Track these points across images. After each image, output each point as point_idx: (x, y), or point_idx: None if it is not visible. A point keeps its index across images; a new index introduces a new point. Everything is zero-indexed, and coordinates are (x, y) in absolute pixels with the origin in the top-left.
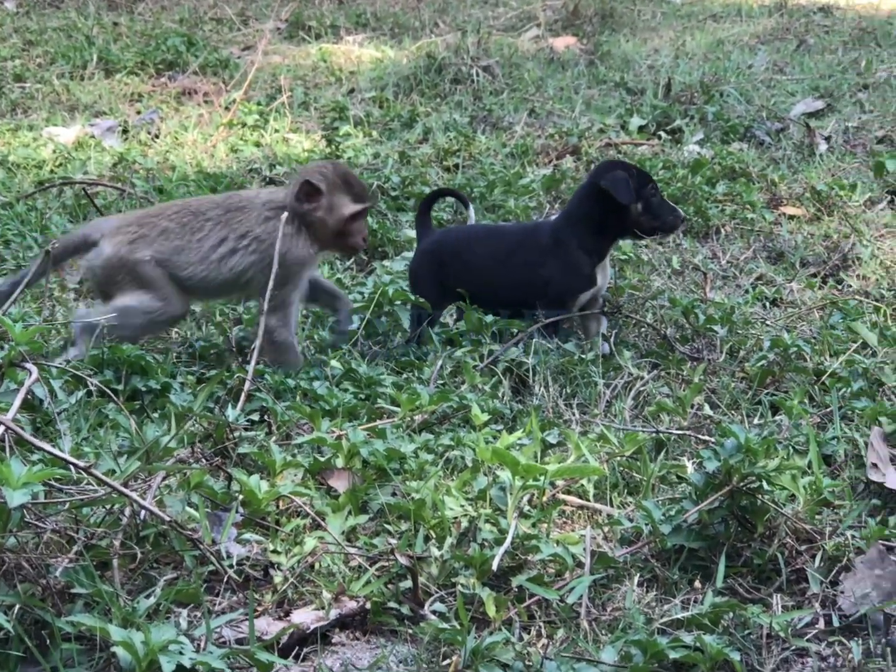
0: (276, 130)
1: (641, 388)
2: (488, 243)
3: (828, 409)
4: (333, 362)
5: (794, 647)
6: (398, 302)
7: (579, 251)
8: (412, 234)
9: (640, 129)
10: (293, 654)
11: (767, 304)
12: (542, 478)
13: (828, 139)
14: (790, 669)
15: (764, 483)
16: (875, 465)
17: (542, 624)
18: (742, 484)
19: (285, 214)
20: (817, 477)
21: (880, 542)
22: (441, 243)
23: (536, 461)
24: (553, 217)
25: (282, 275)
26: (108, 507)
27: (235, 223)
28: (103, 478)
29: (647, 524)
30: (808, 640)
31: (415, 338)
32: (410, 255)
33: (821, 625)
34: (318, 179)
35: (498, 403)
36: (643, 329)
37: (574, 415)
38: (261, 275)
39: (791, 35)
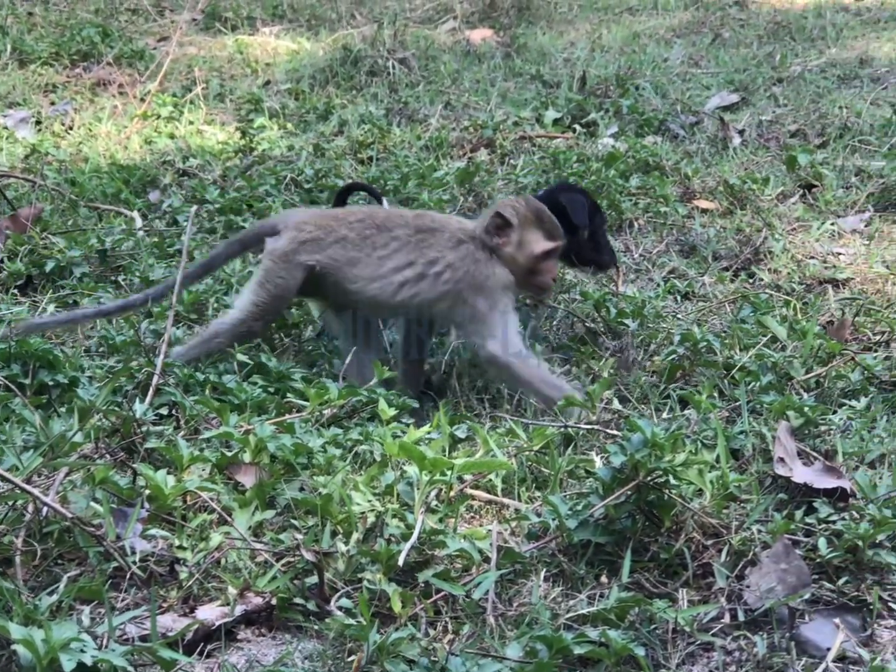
0: (191, 122)
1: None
2: None
3: (736, 404)
4: (241, 356)
5: (699, 642)
6: None
7: None
8: None
9: (555, 121)
10: (198, 650)
11: (679, 297)
12: (449, 472)
13: (742, 133)
14: (695, 664)
15: (671, 478)
16: (782, 460)
17: (448, 619)
18: (649, 479)
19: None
20: (724, 472)
21: (786, 536)
22: None
23: (445, 456)
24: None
25: (489, 300)
26: (10, 503)
27: (425, 246)
28: (5, 474)
29: (553, 519)
30: (713, 635)
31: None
32: None
33: (726, 619)
34: (510, 213)
35: (408, 398)
36: (554, 323)
37: (485, 409)
38: (442, 302)
39: (707, 29)
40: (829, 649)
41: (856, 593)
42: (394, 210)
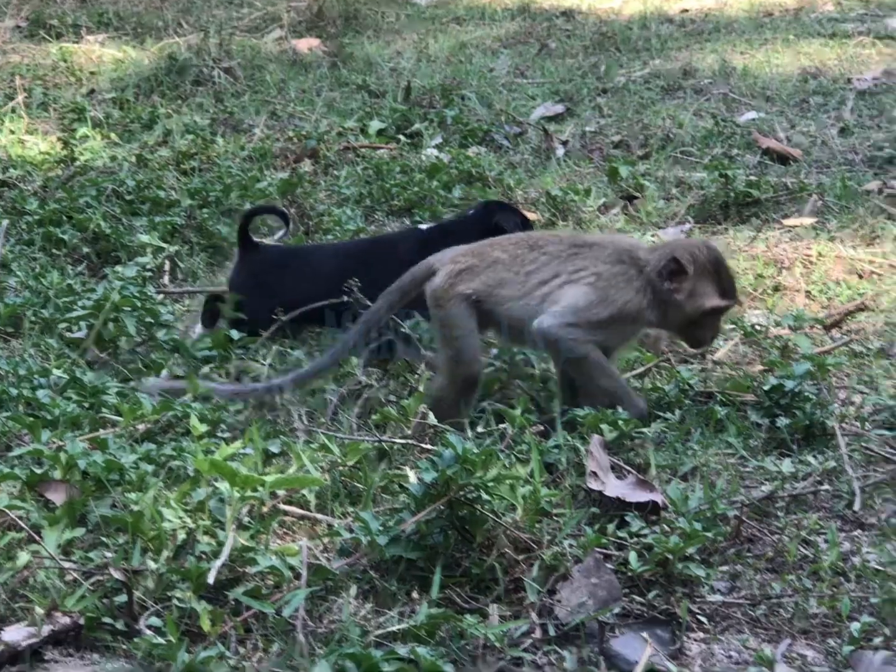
0: (12, 132)
1: (369, 396)
2: (339, 260)
3: (552, 416)
4: (57, 371)
5: (509, 657)
6: (126, 308)
7: None
8: (145, 238)
9: (380, 132)
10: None
11: None
12: (260, 489)
13: (565, 143)
14: None
15: (482, 493)
16: (594, 474)
17: (258, 637)
18: (460, 494)
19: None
20: (535, 486)
21: (597, 550)
22: (285, 260)
23: (257, 472)
24: (420, 229)
25: (615, 327)
26: None
27: (577, 258)
28: None
29: (365, 535)
30: (523, 650)
31: None
32: (145, 260)
33: (537, 634)
34: (687, 260)
35: (224, 413)
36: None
37: (303, 423)
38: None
39: (533, 39)
40: (637, 663)
41: (666, 606)
42: (552, 232)
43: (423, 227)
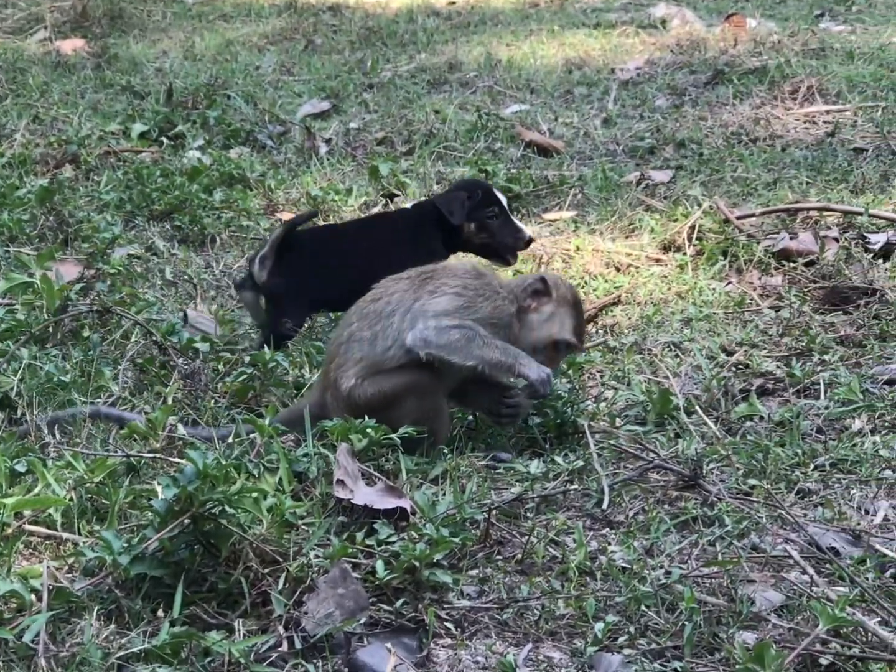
0: None
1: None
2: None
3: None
4: None
5: None
6: None
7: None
8: None
9: (142, 135)
10: None
11: None
12: (2, 511)
13: (329, 142)
14: None
15: (226, 507)
16: (342, 482)
17: (1, 663)
18: (203, 509)
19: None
20: (280, 499)
21: (345, 560)
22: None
23: (2, 493)
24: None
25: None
26: None
27: (432, 282)
28: None
29: (108, 554)
30: (270, 664)
31: None
32: None
33: (284, 647)
34: (553, 284)
35: None
36: (137, 340)
37: (55, 438)
38: None
39: (300, 35)
40: None
41: (414, 614)
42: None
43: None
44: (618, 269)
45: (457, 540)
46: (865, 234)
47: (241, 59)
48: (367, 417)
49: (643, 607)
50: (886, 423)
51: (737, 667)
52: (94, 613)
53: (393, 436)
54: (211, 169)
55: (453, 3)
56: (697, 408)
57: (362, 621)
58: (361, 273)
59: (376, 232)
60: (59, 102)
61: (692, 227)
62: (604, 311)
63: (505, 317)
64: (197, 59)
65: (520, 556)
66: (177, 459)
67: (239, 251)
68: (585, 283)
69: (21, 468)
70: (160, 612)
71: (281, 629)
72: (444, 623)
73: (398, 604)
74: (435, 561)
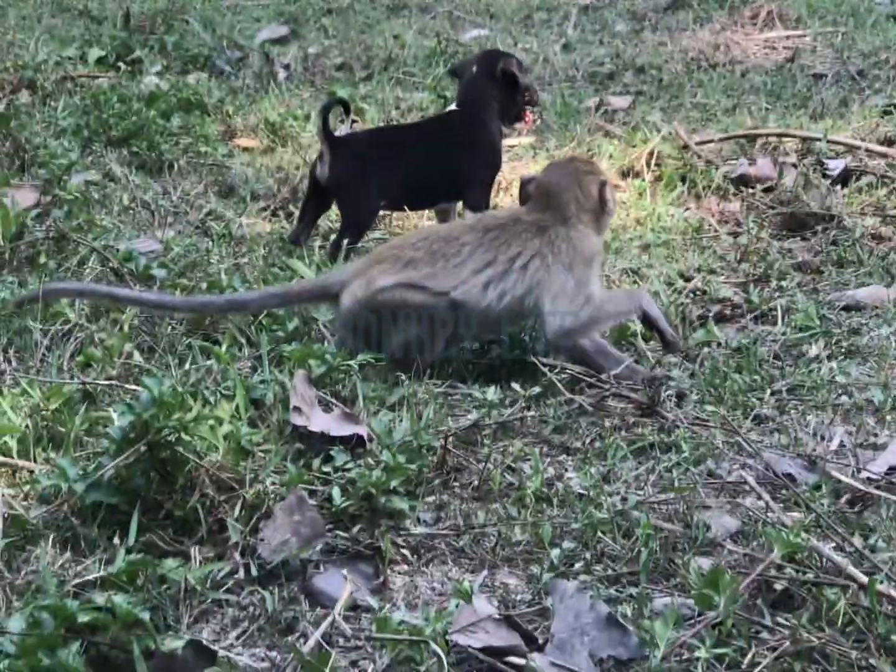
0: None
1: (79, 336)
2: (408, 142)
3: (259, 353)
4: None
5: (211, 599)
6: None
7: (493, 136)
8: None
9: (99, 60)
10: None
11: (216, 239)
12: None
13: (287, 67)
14: (208, 622)
15: (182, 434)
16: (298, 409)
17: None
18: (159, 437)
19: None
20: (236, 426)
21: (301, 487)
22: (368, 146)
23: None
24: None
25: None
26: None
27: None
28: None
29: (64, 482)
30: (226, 591)
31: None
32: None
33: (241, 575)
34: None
35: None
36: (93, 267)
37: (11, 365)
38: None
39: None
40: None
41: (370, 541)
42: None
43: (452, 106)
44: None
45: (413, 467)
46: (824, 161)
47: None
48: (371, 320)
49: (599, 534)
50: (843, 349)
51: (692, 592)
52: (50, 541)
53: (350, 362)
54: (168, 95)
55: None
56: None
57: (318, 548)
58: (421, 173)
59: (434, 133)
60: (15, 27)
61: (651, 153)
62: None
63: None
64: None
65: (476, 482)
66: (133, 387)
67: (197, 177)
68: None
69: None
70: (116, 540)
71: (237, 556)
72: (401, 550)
73: (354, 531)
74: (391, 488)
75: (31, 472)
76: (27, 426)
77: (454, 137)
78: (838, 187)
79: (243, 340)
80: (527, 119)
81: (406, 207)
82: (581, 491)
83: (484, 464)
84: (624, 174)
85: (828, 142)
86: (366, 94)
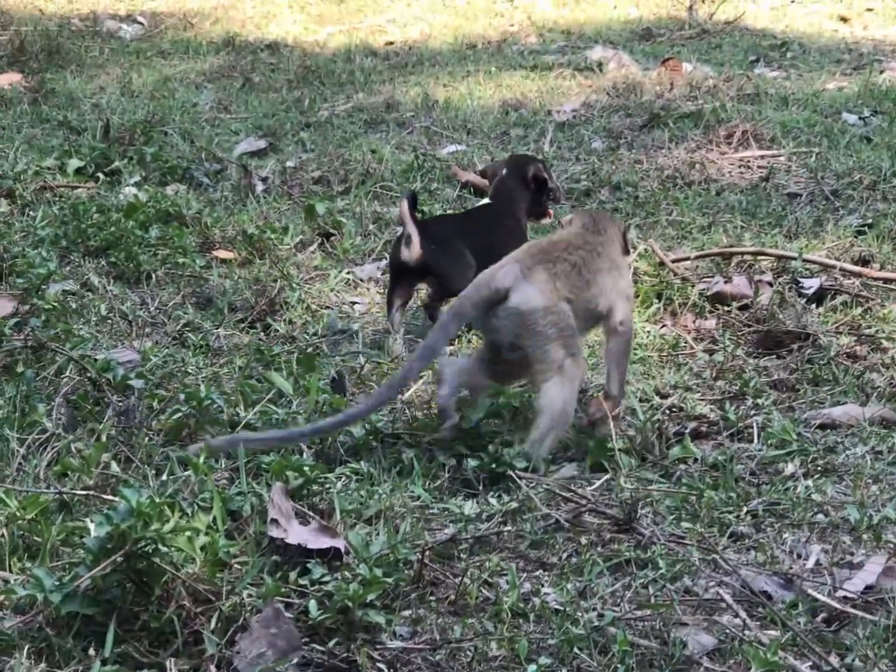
0: None
1: (56, 445)
2: (467, 226)
3: (236, 464)
4: None
5: None
6: None
7: (523, 227)
8: None
9: (79, 170)
10: None
11: (193, 350)
12: None
13: (265, 180)
14: None
15: (160, 545)
16: (276, 521)
17: None
18: (136, 548)
19: None
20: (213, 537)
21: (278, 599)
22: (455, 225)
23: None
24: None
25: None
26: None
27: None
28: None
29: (39, 592)
30: None
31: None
32: None
33: None
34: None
35: None
36: (71, 376)
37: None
38: None
39: (238, 73)
40: None
41: (346, 654)
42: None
43: (486, 200)
44: None
45: (390, 580)
46: (799, 279)
47: (179, 95)
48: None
49: (576, 649)
50: (819, 468)
51: None
52: (25, 652)
53: (328, 475)
54: (147, 205)
55: (391, 43)
56: (632, 451)
57: (295, 661)
58: (481, 256)
59: (481, 220)
60: None
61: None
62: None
63: None
64: (134, 96)
65: (453, 596)
66: (110, 497)
67: (175, 288)
68: None
69: None
70: (91, 651)
71: (213, 669)
72: (377, 664)
73: (331, 644)
74: (368, 601)
75: (7, 581)
76: (3, 535)
77: (494, 226)
78: (813, 306)
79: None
80: (549, 214)
81: None
82: (557, 606)
83: (461, 578)
84: None
85: (803, 260)
86: (343, 208)
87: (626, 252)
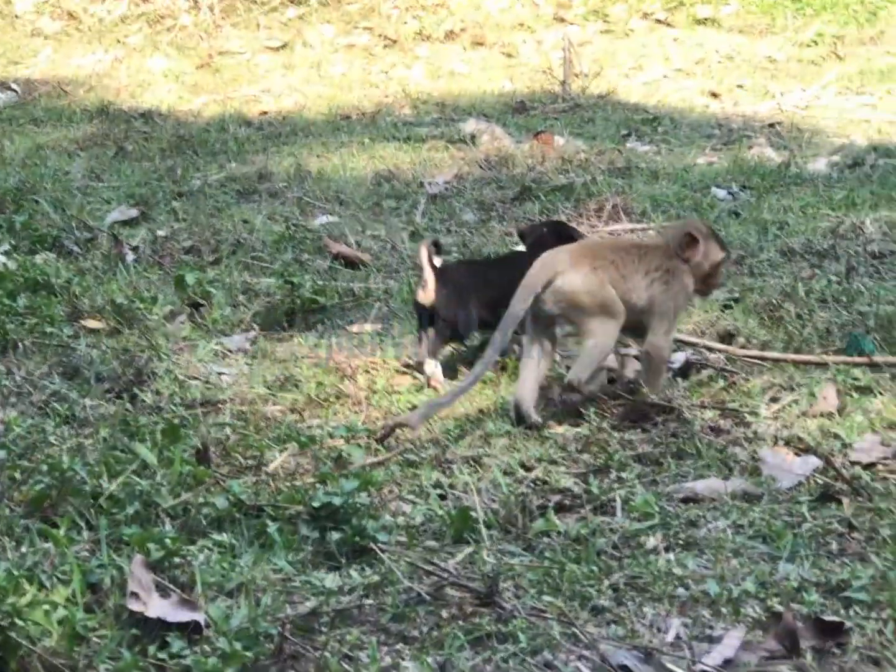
0: None
1: None
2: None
3: (97, 536)
4: None
5: None
6: None
7: None
8: None
9: None
10: None
11: (57, 421)
12: None
13: (136, 249)
14: None
15: (16, 619)
16: (136, 594)
17: None
18: None
19: None
20: (71, 611)
21: None
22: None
23: None
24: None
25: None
26: None
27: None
28: None
29: None
30: None
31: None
32: None
33: None
34: (695, 231)
35: None
36: None
37: None
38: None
39: (111, 141)
40: None
41: None
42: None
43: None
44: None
45: (250, 654)
46: None
47: (51, 163)
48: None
49: None
50: (680, 541)
51: None
52: None
53: (190, 547)
54: (16, 274)
55: (265, 113)
56: (495, 523)
57: None
58: (503, 298)
59: (511, 267)
60: None
61: None
62: (403, 426)
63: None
64: (6, 163)
65: (313, 670)
66: None
67: (42, 358)
68: (389, 395)
69: None
70: None
71: None
72: None
73: None
74: None
75: None
76: None
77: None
78: (679, 380)
79: (82, 523)
80: None
81: (492, 324)
82: None
83: (321, 652)
84: (469, 362)
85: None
86: (213, 278)
87: (684, 258)
